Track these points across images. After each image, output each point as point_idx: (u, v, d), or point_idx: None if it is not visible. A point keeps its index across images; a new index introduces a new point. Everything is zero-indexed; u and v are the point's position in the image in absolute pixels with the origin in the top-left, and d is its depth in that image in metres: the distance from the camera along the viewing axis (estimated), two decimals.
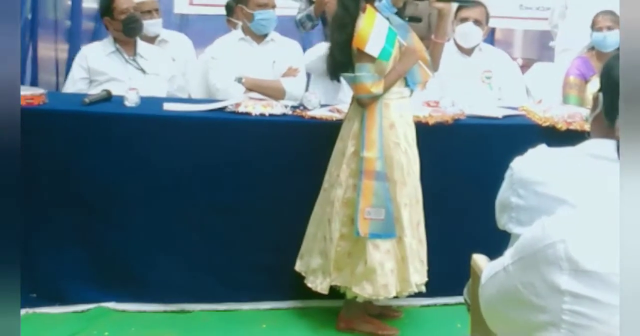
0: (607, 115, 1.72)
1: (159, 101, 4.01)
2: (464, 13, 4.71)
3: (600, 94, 1.77)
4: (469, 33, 4.74)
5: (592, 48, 4.82)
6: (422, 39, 3.65)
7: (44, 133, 3.60)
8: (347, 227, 3.48)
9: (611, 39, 4.65)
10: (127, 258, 3.78)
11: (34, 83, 5.60)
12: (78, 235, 3.74)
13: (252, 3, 4.39)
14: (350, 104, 3.56)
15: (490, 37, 6.21)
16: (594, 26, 4.72)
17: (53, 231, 3.69)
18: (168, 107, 3.87)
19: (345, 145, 3.49)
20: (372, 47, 3.32)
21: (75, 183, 3.69)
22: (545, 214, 1.57)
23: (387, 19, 3.43)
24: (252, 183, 3.78)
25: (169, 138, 3.73)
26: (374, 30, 3.33)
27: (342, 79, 3.58)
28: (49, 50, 5.97)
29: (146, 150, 3.71)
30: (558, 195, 1.69)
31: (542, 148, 1.86)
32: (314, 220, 3.63)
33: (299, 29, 5.20)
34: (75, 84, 4.49)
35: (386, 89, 3.40)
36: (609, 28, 4.65)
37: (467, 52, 4.83)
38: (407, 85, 3.53)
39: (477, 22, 4.72)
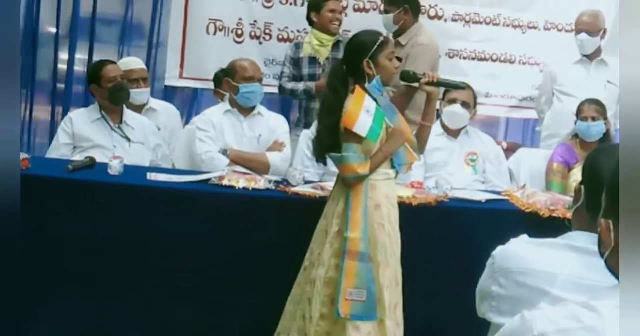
0: (589, 209, 1.72)
1: (142, 170, 4.00)
2: (453, 95, 4.71)
3: (582, 187, 1.77)
4: (457, 114, 4.73)
5: (575, 135, 4.85)
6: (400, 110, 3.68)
7: (24, 199, 3.56)
8: (327, 307, 3.43)
9: (595, 129, 4.68)
10: (104, 325, 3.73)
11: (29, 147, 5.63)
12: (54, 302, 3.66)
13: (238, 76, 4.42)
14: (335, 183, 3.55)
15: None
16: (579, 115, 4.74)
17: (28, 298, 3.63)
18: (152, 177, 3.85)
19: (329, 224, 3.47)
20: (361, 127, 3.33)
21: (54, 250, 3.63)
22: (527, 304, 1.56)
23: (375, 100, 3.45)
24: (232, 257, 3.75)
25: (151, 209, 3.70)
26: (362, 110, 3.35)
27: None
28: (42, 112, 6.01)
29: (127, 220, 3.68)
30: (539, 286, 1.68)
31: (523, 238, 1.86)
32: (293, 298, 3.57)
33: (289, 96, 5.39)
34: (59, 149, 4.46)
35: (372, 170, 3.40)
36: (594, 119, 4.68)
37: (454, 134, 4.82)
38: (393, 166, 3.54)
39: (465, 105, 4.73)
